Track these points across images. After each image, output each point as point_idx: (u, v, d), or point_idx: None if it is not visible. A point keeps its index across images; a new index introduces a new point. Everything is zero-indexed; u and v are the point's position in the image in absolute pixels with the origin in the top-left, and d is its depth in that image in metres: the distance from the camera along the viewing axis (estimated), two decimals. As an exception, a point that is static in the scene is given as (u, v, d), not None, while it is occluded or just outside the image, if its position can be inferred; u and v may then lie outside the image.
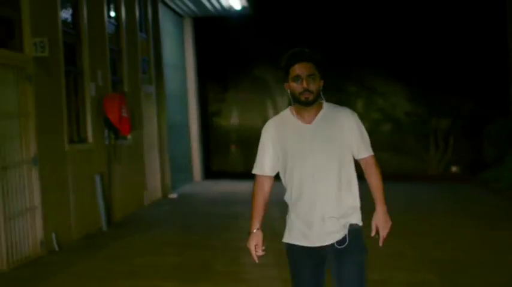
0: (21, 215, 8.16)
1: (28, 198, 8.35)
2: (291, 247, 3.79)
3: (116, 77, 12.49)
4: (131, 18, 13.44)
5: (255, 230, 3.79)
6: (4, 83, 8.11)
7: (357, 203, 3.77)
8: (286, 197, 3.80)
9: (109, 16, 12.22)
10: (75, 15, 10.51)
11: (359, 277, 3.69)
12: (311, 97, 3.64)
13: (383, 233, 3.73)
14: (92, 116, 10.75)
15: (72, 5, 10.45)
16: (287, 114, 3.80)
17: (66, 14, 10.22)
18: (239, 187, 16.47)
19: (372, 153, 3.81)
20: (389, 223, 3.74)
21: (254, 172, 3.86)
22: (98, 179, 10.61)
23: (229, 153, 21.84)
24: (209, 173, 20.88)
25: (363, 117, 14.78)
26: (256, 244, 3.76)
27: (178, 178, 17.19)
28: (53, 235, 8.78)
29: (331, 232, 3.68)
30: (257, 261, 3.79)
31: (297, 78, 3.66)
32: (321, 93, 3.74)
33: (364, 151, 3.77)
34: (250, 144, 20.52)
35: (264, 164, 3.80)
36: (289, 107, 3.82)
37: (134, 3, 13.71)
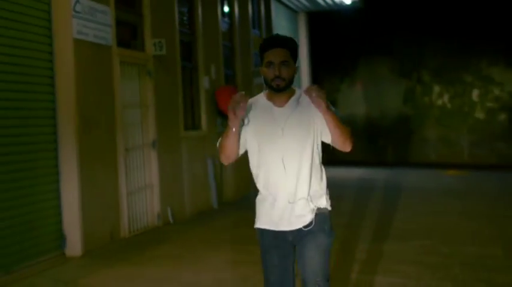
0: (141, 190, 9.58)
1: (147, 176, 9.76)
2: (262, 232, 3.77)
3: (229, 70, 13.77)
4: (244, 16, 14.67)
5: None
6: (129, 78, 9.52)
7: (325, 186, 3.77)
8: (256, 180, 3.77)
9: (223, 15, 13.49)
10: (191, 16, 11.86)
11: (323, 259, 3.67)
12: (282, 84, 3.61)
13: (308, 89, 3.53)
14: (206, 106, 12.07)
15: (188, 7, 11.80)
16: (260, 98, 3.79)
17: (182, 15, 11.57)
18: (350, 173, 17.45)
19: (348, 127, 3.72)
20: (322, 92, 3.50)
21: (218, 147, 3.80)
22: (209, 161, 11.94)
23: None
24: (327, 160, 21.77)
25: (477, 107, 15.17)
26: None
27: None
28: (169, 209, 10.14)
29: (300, 215, 3.65)
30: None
31: (270, 64, 3.63)
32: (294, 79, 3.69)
33: None
34: (365, 133, 21.33)
35: None
36: (263, 91, 3.82)
37: (247, 1, 14.93)
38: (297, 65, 3.73)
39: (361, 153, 20.96)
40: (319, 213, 3.68)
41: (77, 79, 7.93)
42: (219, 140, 3.79)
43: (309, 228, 3.65)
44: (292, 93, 3.74)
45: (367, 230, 9.18)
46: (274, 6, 17.24)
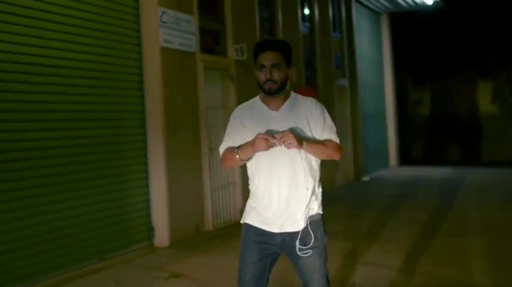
0: (224, 188, 10.20)
1: (230, 174, 10.37)
2: (248, 228, 3.77)
3: (310, 73, 14.26)
4: (325, 19, 15.12)
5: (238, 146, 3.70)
6: (212, 82, 10.17)
7: (319, 190, 3.80)
8: (251, 181, 3.81)
9: (303, 19, 13.99)
10: (272, 21, 12.43)
11: (319, 261, 3.72)
12: (274, 87, 3.62)
13: (282, 136, 3.50)
14: (286, 108, 12.58)
15: (268, 13, 12.37)
16: (256, 101, 3.80)
17: (263, 21, 12.14)
18: (429, 171, 17.60)
19: (336, 141, 3.77)
20: (290, 134, 3.46)
21: (221, 151, 3.85)
22: (291, 161, 12.43)
23: (428, 141, 22.67)
24: (407, 159, 21.95)
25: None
26: (259, 137, 3.52)
27: (373, 163, 18.64)
28: (251, 205, 10.71)
29: (292, 220, 3.68)
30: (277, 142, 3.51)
31: (262, 67, 3.64)
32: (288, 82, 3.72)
33: (328, 138, 3.74)
34: (450, 133, 21.36)
35: (231, 145, 3.78)
36: (258, 95, 3.82)
37: (328, 6, 15.38)
38: (292, 67, 3.75)
39: (452, 152, 21.08)
40: (312, 221, 3.70)
41: (164, 84, 8.62)
42: (223, 151, 3.83)
43: (303, 237, 3.66)
44: (287, 96, 3.77)
45: (444, 225, 9.50)
46: (355, 8, 17.60)
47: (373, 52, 20.22)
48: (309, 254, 3.67)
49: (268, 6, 12.40)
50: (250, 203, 3.82)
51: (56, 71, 7.05)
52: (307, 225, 3.67)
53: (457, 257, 7.37)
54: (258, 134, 3.53)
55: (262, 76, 3.64)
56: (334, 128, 3.78)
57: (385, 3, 19.26)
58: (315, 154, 3.69)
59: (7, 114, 6.38)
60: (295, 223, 3.67)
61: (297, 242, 3.65)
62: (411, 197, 12.89)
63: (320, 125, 3.72)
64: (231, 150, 3.73)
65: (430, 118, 22.59)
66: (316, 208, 3.75)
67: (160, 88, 8.57)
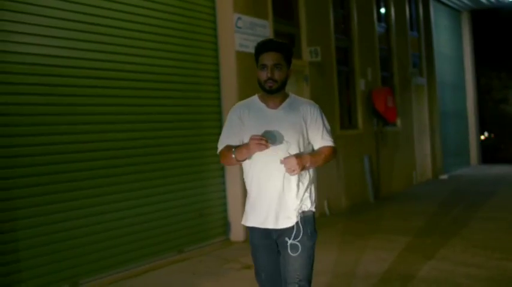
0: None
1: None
2: (251, 230, 3.92)
3: (386, 72, 14.45)
4: (401, 18, 15.27)
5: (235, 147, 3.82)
6: (289, 83, 10.52)
7: (312, 189, 3.90)
8: (246, 178, 3.96)
9: (379, 19, 14.19)
10: (347, 23, 12.73)
11: (305, 261, 3.79)
12: (275, 86, 3.74)
13: (285, 163, 3.66)
14: (362, 107, 12.88)
15: (343, 14, 12.67)
16: (254, 100, 3.93)
17: (338, 22, 12.44)
18: (510, 170, 17.45)
19: (332, 144, 3.90)
20: (294, 162, 3.63)
21: (219, 148, 3.96)
22: (366, 159, 12.72)
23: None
24: (490, 158, 21.71)
25: None
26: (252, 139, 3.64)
27: (452, 161, 18.60)
28: (325, 202, 11.06)
29: (285, 216, 3.78)
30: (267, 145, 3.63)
31: (263, 67, 3.76)
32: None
33: (325, 143, 3.88)
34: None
35: (229, 142, 3.91)
36: (256, 94, 3.94)
37: (404, 5, 15.51)
38: (290, 68, 3.91)
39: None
40: (304, 216, 3.81)
41: (239, 86, 9.07)
42: (220, 148, 3.96)
43: (293, 232, 3.78)
44: (286, 97, 3.90)
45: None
46: (433, 6, 17.61)
47: (454, 50, 20.12)
48: (297, 253, 3.77)
49: (343, 7, 12.69)
50: (248, 201, 3.97)
51: (140, 76, 7.64)
52: (298, 221, 3.78)
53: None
54: (252, 136, 3.64)
55: (263, 75, 3.76)
56: (330, 132, 3.94)
57: (465, 0, 19.15)
58: (315, 166, 3.86)
59: (74, 117, 6.99)
60: (288, 218, 3.78)
61: (288, 237, 3.78)
62: (487, 195, 12.89)
63: (319, 128, 3.87)
64: (228, 149, 3.86)
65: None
66: (309, 205, 3.85)
67: (235, 90, 9.02)
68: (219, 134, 8.92)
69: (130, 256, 7.34)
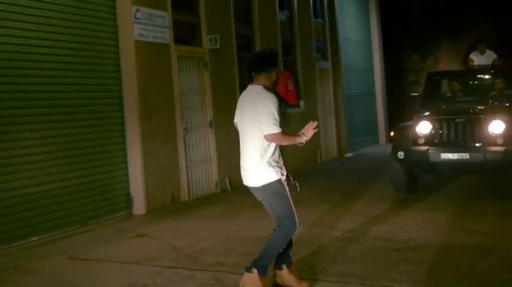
0: (200, 163, 11.46)
1: (206, 151, 11.62)
2: (281, 181, 5.37)
3: (289, 57, 15.41)
4: (305, 7, 16.22)
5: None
6: (190, 69, 11.39)
7: (268, 162, 5.37)
8: (269, 148, 5.38)
9: (282, 8, 15.10)
10: (249, 12, 13.60)
11: (276, 203, 5.51)
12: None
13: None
14: (264, 90, 13.75)
15: (245, 4, 13.53)
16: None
17: (239, 11, 13.29)
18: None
19: (266, 133, 5.25)
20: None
21: (280, 129, 5.29)
22: (268, 139, 13.62)
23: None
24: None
25: None
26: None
27: (360, 140, 19.73)
28: (226, 179, 11.96)
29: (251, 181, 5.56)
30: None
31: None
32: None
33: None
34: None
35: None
36: (261, 86, 5.51)
37: (308, -6, 16.47)
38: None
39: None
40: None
41: (139, 73, 9.86)
42: (281, 130, 5.32)
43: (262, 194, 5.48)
44: None
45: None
46: (338, -7, 18.57)
47: (362, 36, 21.19)
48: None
49: (244, -4, 13.54)
50: (270, 164, 5.38)
51: (40, 65, 8.37)
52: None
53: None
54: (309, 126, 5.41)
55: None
56: (267, 122, 5.35)
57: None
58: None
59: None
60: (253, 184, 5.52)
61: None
62: (379, 171, 13.98)
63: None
64: (295, 134, 5.43)
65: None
66: (267, 178, 5.37)
67: (135, 76, 9.80)
68: (121, 117, 9.75)
69: (35, 229, 8.12)
